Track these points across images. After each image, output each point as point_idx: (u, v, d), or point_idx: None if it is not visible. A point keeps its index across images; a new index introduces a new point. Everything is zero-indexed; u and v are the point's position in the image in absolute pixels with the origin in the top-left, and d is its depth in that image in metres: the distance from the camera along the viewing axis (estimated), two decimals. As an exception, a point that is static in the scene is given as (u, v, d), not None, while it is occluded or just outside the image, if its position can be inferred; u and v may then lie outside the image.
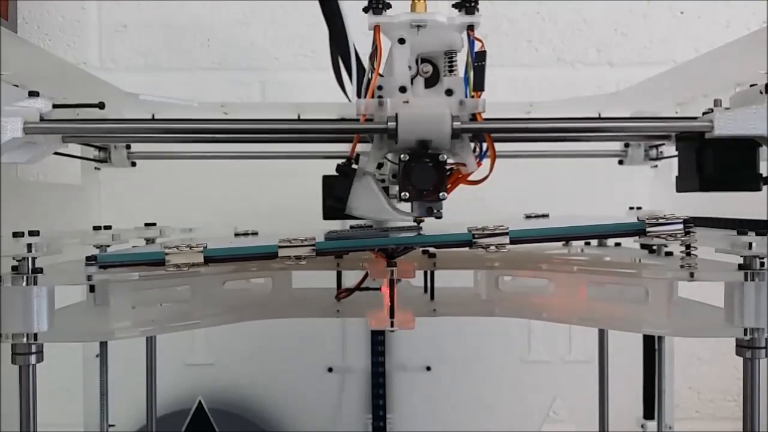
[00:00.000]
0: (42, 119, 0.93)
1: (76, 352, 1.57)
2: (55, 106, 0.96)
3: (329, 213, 0.95)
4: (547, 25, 1.75)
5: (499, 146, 1.35)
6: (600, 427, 1.37)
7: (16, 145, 0.92)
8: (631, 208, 1.37)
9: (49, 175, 1.62)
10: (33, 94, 0.94)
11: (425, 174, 0.90)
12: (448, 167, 0.93)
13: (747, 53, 1.01)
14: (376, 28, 0.93)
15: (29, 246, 0.87)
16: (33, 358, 0.86)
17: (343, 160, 0.95)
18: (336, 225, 1.08)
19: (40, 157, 0.98)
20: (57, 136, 0.98)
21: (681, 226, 0.86)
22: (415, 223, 0.99)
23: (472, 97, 0.92)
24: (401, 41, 0.93)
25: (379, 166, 0.97)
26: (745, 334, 0.87)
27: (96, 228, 1.18)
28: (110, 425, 1.29)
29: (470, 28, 0.93)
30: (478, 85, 0.92)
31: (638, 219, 0.88)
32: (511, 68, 1.74)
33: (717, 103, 0.94)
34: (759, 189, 0.94)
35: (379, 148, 0.94)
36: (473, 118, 0.92)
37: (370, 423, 1.67)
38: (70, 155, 1.32)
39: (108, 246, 1.10)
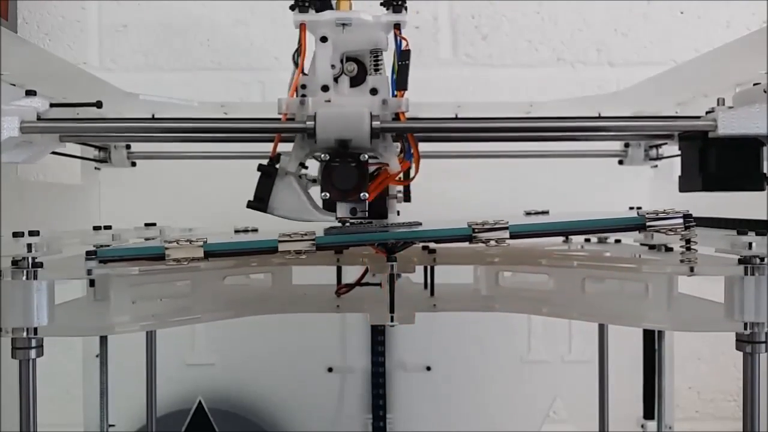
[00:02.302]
0: (39, 118, 0.94)
1: (76, 352, 1.57)
2: (52, 105, 0.96)
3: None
4: (547, 25, 1.75)
5: (499, 146, 1.36)
6: (600, 427, 1.37)
7: (13, 145, 0.92)
8: (631, 208, 1.37)
9: (49, 175, 1.62)
10: (30, 93, 0.95)
11: (345, 174, 0.90)
12: (374, 167, 0.93)
13: (747, 53, 1.01)
14: (302, 26, 0.94)
15: (29, 246, 0.88)
16: (33, 353, 0.86)
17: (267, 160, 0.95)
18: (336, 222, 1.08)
19: (38, 156, 0.98)
20: (54, 136, 0.98)
21: (681, 221, 0.86)
22: (415, 220, 0.99)
23: (396, 96, 0.92)
24: (323, 39, 0.93)
25: (305, 166, 0.97)
26: (745, 329, 0.87)
27: (96, 228, 1.18)
28: (110, 425, 1.29)
29: (397, 26, 0.93)
30: (401, 84, 0.93)
31: (638, 214, 0.89)
32: (511, 68, 1.75)
33: (720, 102, 0.94)
34: (763, 189, 0.94)
35: (301, 147, 0.94)
36: (396, 117, 0.92)
37: (370, 423, 1.67)
38: (69, 155, 1.32)
39: (108, 246, 1.10)
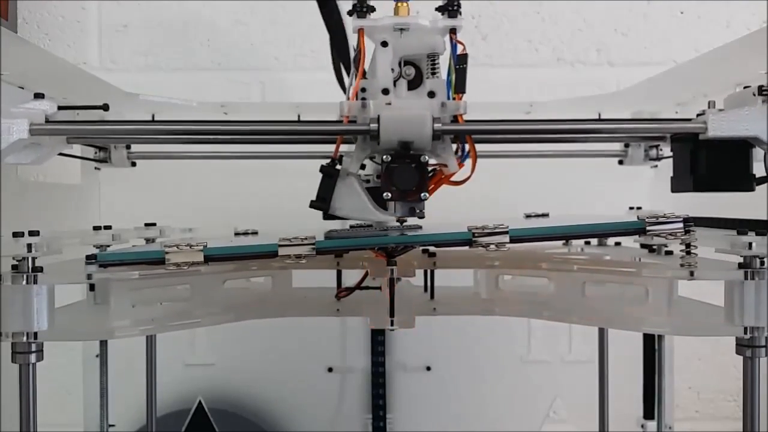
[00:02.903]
0: (47, 121, 0.94)
1: (76, 352, 1.57)
2: (59, 108, 0.97)
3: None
4: (547, 25, 1.75)
5: (498, 147, 1.35)
6: (600, 427, 1.37)
7: (21, 146, 0.92)
8: (631, 208, 1.37)
9: (49, 175, 1.62)
10: (38, 96, 0.96)
11: (407, 175, 0.91)
12: (430, 168, 0.94)
13: (747, 53, 1.01)
14: (360, 32, 0.94)
15: (29, 246, 0.87)
16: (33, 357, 0.86)
17: (328, 161, 0.96)
18: (336, 225, 1.08)
19: (46, 158, 1.00)
20: (62, 138, 1.00)
21: (681, 225, 0.87)
22: (416, 222, 0.99)
23: (454, 99, 0.93)
24: (384, 44, 0.94)
25: (363, 166, 0.97)
26: (745, 333, 0.87)
27: (96, 228, 1.17)
28: (110, 425, 1.29)
29: (452, 31, 0.94)
30: (460, 88, 0.93)
31: (638, 218, 0.88)
32: (511, 68, 1.74)
33: (711, 104, 0.95)
34: (752, 189, 0.95)
35: (362, 149, 0.95)
36: (454, 119, 0.93)
37: (370, 423, 1.67)
38: (70, 155, 1.32)
39: (108, 246, 1.10)
